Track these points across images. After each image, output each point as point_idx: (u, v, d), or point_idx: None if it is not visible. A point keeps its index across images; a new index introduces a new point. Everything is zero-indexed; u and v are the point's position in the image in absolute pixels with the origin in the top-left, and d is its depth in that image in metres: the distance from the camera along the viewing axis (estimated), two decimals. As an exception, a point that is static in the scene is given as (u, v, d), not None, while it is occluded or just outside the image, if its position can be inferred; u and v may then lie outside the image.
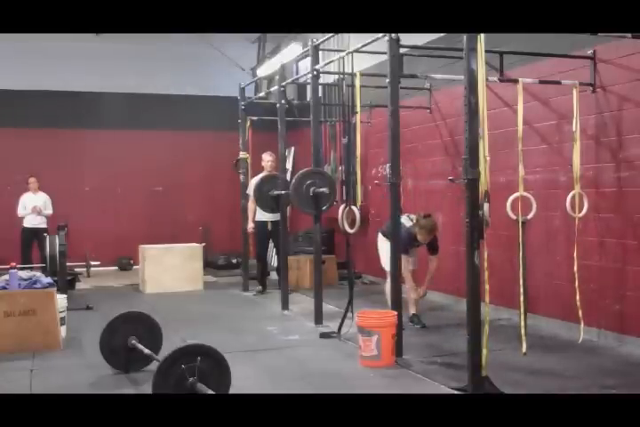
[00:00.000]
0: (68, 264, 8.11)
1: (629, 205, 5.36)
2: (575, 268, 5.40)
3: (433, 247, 6.32)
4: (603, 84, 5.59)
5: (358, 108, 5.98)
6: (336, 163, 9.20)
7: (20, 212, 9.74)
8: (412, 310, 6.40)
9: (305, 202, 6.32)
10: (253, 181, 8.24)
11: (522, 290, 5.29)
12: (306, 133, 7.19)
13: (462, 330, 4.43)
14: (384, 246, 6.24)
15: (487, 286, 4.31)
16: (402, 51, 5.31)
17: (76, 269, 9.39)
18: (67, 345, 5.66)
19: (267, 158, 8.50)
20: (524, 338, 5.14)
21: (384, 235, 6.30)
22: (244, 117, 9.09)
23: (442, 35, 6.69)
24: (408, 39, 5.33)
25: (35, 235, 9.55)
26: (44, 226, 9.75)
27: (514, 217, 5.35)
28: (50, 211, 9.90)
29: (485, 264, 4.19)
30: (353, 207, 5.96)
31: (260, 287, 8.57)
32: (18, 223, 9.78)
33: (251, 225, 8.52)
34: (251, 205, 8.44)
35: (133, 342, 4.78)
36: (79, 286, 9.25)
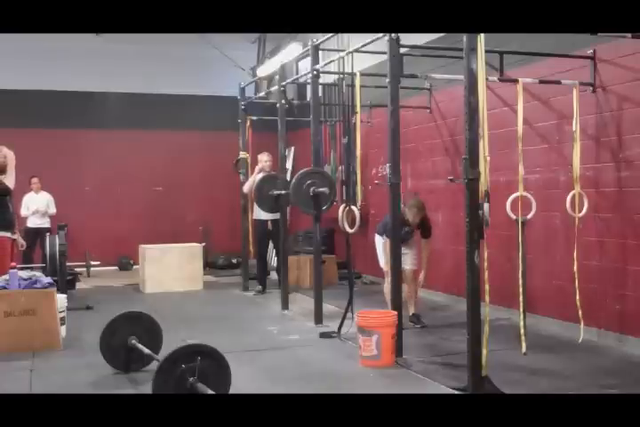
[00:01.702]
0: (68, 264, 8.11)
1: (629, 205, 5.36)
2: (575, 268, 5.40)
3: (425, 229, 6.32)
4: (603, 84, 5.59)
5: (358, 108, 5.98)
6: (336, 163, 9.20)
7: (23, 212, 9.75)
8: (412, 310, 6.39)
9: (305, 202, 6.32)
10: (252, 180, 8.24)
11: (522, 290, 5.29)
12: (306, 133, 7.19)
13: (462, 330, 4.43)
14: (381, 246, 6.29)
15: (487, 286, 4.32)
16: (402, 51, 5.31)
17: (76, 269, 9.40)
18: (67, 345, 5.66)
19: (264, 158, 8.48)
20: (523, 338, 5.14)
21: (380, 234, 6.33)
22: (244, 117, 9.09)
23: (442, 35, 6.69)
24: (408, 39, 5.33)
25: (38, 235, 9.55)
26: (48, 226, 9.75)
27: (514, 217, 5.35)
28: (53, 210, 9.93)
29: (485, 264, 4.19)
30: (353, 207, 5.96)
31: (260, 287, 8.57)
32: (21, 223, 9.76)
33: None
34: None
35: (133, 341, 4.78)
36: (79, 285, 9.25)
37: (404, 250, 5.95)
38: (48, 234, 8.74)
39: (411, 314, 6.35)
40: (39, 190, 9.98)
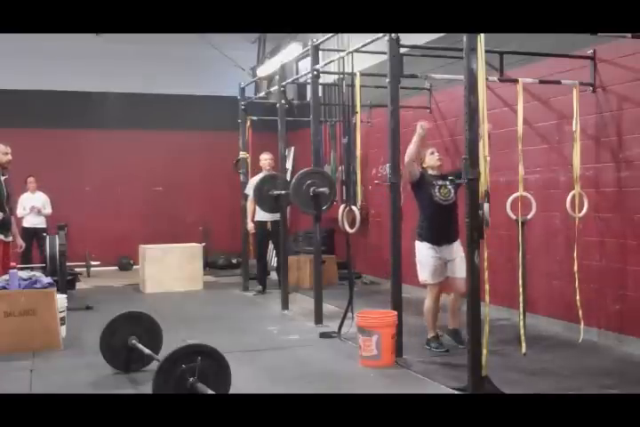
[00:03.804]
0: (68, 264, 8.11)
1: (629, 205, 5.36)
2: (575, 268, 5.40)
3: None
4: (603, 84, 5.59)
5: (358, 108, 5.98)
6: (336, 163, 9.20)
7: (20, 212, 9.72)
8: (451, 324, 5.53)
9: (305, 202, 6.32)
10: (252, 181, 8.24)
11: (521, 290, 5.28)
12: (306, 133, 7.19)
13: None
14: (421, 251, 5.38)
15: (487, 286, 4.31)
16: (402, 51, 5.31)
17: (76, 269, 9.39)
18: (67, 345, 5.66)
19: (264, 157, 8.50)
20: (523, 338, 5.14)
21: (419, 239, 5.38)
22: (244, 117, 9.10)
23: (442, 35, 6.68)
24: (408, 39, 5.33)
25: (34, 235, 9.54)
26: (44, 226, 9.74)
27: (514, 217, 5.34)
28: (49, 210, 9.90)
29: (485, 264, 4.19)
30: (353, 207, 5.95)
31: (260, 287, 8.57)
32: (18, 223, 9.76)
33: (251, 225, 8.52)
34: (250, 205, 8.43)
35: (133, 341, 4.78)
36: (79, 285, 9.25)
37: (449, 254, 5.29)
38: (45, 234, 8.73)
39: (450, 328, 5.52)
40: (35, 190, 9.93)
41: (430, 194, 5.32)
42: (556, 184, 6.02)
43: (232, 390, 3.82)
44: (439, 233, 5.35)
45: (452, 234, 5.36)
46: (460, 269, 5.15)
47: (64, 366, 5.12)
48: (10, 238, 6.53)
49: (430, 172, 5.45)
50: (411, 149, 5.20)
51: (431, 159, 5.46)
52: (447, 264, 5.35)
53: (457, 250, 5.35)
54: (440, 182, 5.35)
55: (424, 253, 5.35)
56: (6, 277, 5.71)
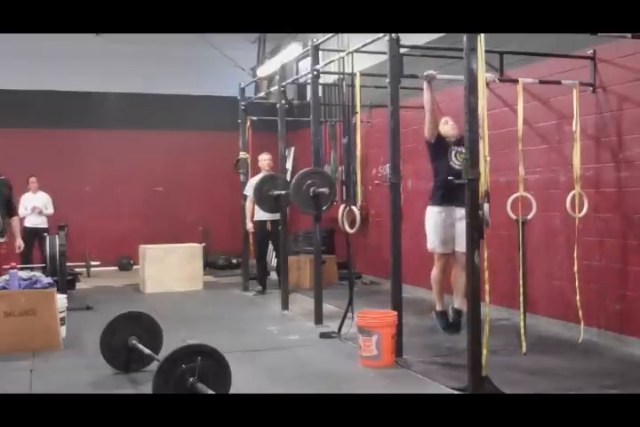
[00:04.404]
0: (68, 264, 8.11)
1: (629, 205, 5.36)
2: (575, 268, 5.40)
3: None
4: (603, 84, 5.59)
5: (358, 108, 5.98)
6: (336, 163, 9.20)
7: (22, 212, 9.71)
8: (457, 303, 5.59)
9: (305, 202, 6.32)
10: (252, 182, 8.24)
11: (522, 290, 5.29)
12: (306, 133, 7.19)
13: (463, 330, 4.42)
14: (430, 216, 5.55)
15: (487, 286, 4.32)
16: (402, 51, 5.31)
17: (76, 269, 9.39)
18: (67, 345, 5.66)
19: (263, 157, 8.51)
20: (523, 338, 5.14)
21: (430, 201, 5.57)
22: (244, 117, 9.10)
23: (442, 35, 6.68)
24: (408, 39, 5.33)
25: (36, 235, 9.53)
26: (45, 226, 9.72)
27: (514, 217, 5.35)
28: (51, 210, 9.88)
29: (485, 264, 4.19)
30: (353, 207, 5.95)
31: (260, 287, 8.57)
32: (20, 223, 9.74)
33: (250, 225, 8.52)
34: (249, 205, 8.43)
35: (134, 342, 4.78)
36: (79, 285, 9.25)
37: (455, 216, 5.36)
38: (46, 234, 8.73)
39: (453, 306, 5.60)
40: (37, 190, 9.90)
41: (447, 158, 5.52)
42: (555, 184, 6.02)
43: (232, 390, 3.81)
44: (448, 193, 5.43)
45: (460, 197, 4.81)
46: (461, 242, 5.10)
47: (64, 366, 5.12)
48: (4, 239, 6.50)
49: (447, 139, 5.62)
50: (425, 102, 5.48)
51: (446, 128, 5.65)
52: (455, 232, 5.35)
53: (462, 216, 4.99)
54: (457, 149, 5.49)
55: (433, 218, 5.51)
56: (6, 277, 5.71)
